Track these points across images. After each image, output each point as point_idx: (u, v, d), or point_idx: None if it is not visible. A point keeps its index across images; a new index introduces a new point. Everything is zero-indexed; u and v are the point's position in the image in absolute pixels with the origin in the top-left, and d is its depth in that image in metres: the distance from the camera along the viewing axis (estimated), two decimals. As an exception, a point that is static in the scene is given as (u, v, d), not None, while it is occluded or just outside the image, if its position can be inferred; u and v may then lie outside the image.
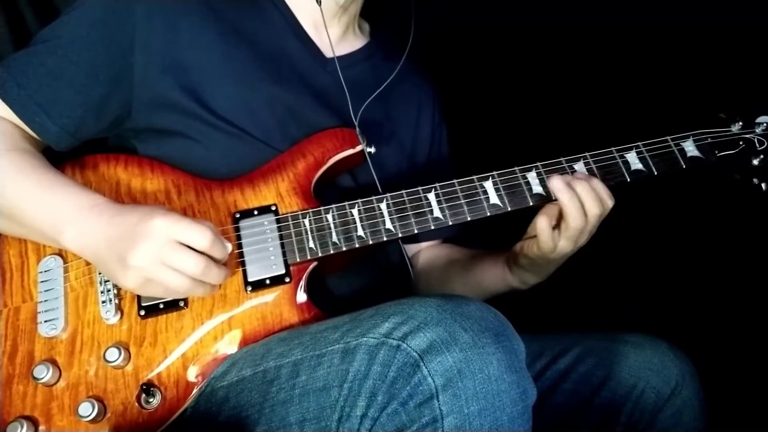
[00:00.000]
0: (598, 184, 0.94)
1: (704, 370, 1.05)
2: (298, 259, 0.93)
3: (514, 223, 1.02)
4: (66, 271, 0.93)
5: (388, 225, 0.95)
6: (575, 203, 0.91)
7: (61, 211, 0.85)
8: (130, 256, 0.79)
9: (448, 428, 0.69)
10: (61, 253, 0.94)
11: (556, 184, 0.92)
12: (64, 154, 0.99)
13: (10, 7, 1.23)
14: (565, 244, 0.95)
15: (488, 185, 0.97)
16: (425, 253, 1.27)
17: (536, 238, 0.96)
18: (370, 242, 0.94)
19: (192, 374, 0.87)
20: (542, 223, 0.93)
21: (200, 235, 0.80)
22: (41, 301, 0.90)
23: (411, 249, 1.27)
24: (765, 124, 1.00)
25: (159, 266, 0.79)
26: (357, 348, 0.75)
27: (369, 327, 0.76)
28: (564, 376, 1.08)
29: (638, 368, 1.04)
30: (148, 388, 0.85)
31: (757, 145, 1.00)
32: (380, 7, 1.20)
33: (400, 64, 1.11)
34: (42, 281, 0.92)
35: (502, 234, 1.05)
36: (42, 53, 0.95)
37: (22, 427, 0.83)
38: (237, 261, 0.92)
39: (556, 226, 0.95)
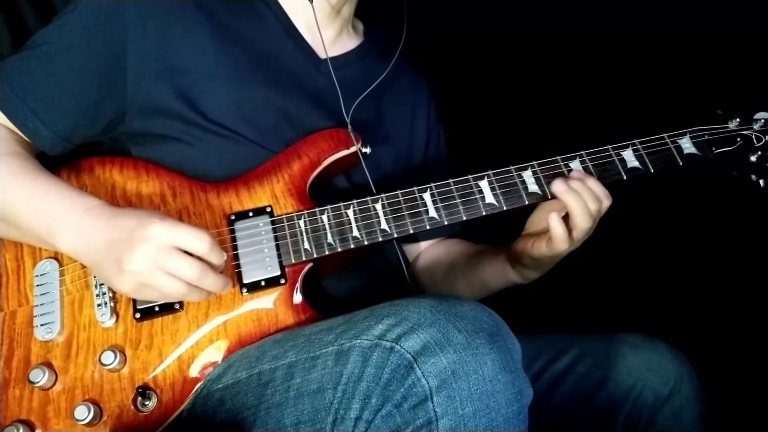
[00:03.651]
0: (593, 183, 0.93)
1: (703, 371, 1.05)
2: (293, 261, 0.93)
3: (514, 220, 1.02)
4: (62, 274, 0.93)
5: (384, 225, 0.95)
6: (581, 204, 0.91)
7: (55, 215, 0.85)
8: (127, 260, 0.78)
9: (442, 430, 0.68)
10: (56, 257, 0.94)
11: (559, 187, 0.92)
12: (60, 157, 0.99)
13: (10, 7, 1.24)
14: (572, 241, 0.94)
15: (484, 184, 0.96)
16: (428, 251, 1.26)
17: (548, 239, 0.94)
18: (366, 243, 0.94)
19: (188, 377, 0.87)
20: (557, 227, 0.92)
21: (198, 240, 0.80)
22: (37, 305, 0.90)
23: (414, 248, 1.27)
24: (763, 121, 1.00)
25: (155, 271, 0.79)
26: (351, 350, 0.75)
27: (363, 329, 0.76)
28: (562, 377, 1.08)
29: (636, 369, 1.04)
30: (143, 391, 0.85)
31: (755, 141, 0.99)
32: (374, 7, 1.19)
33: (392, 63, 1.11)
34: (38, 285, 0.92)
35: (503, 229, 1.04)
36: (35, 58, 0.95)
37: (18, 431, 0.83)
38: (232, 263, 0.92)
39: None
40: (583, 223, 0.92)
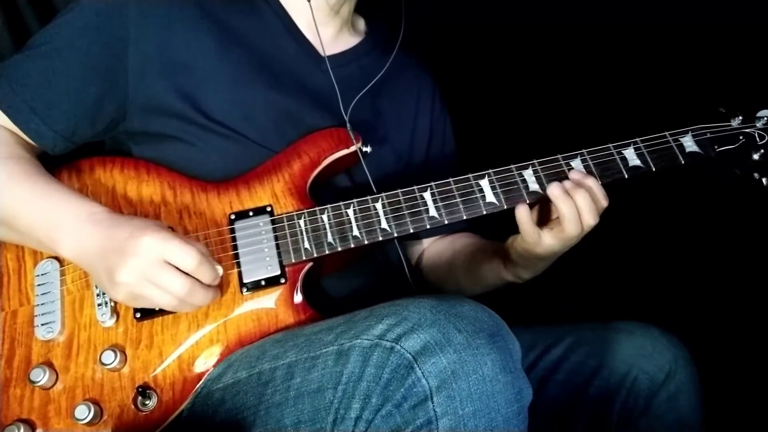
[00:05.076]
0: (596, 189, 0.93)
1: (698, 354, 1.04)
2: (293, 260, 0.93)
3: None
4: (63, 274, 0.93)
5: (384, 225, 0.94)
6: (573, 212, 0.91)
7: (57, 220, 0.85)
8: (117, 273, 0.79)
9: (442, 430, 0.68)
10: (57, 257, 0.94)
11: (555, 191, 0.92)
12: (61, 157, 0.99)
13: (10, 7, 1.24)
14: (553, 242, 0.94)
15: (484, 183, 0.96)
16: (434, 245, 1.26)
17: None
18: (366, 242, 0.94)
19: (188, 376, 0.87)
20: (522, 215, 0.93)
21: (187, 257, 0.80)
22: (38, 305, 0.90)
23: (418, 247, 1.27)
24: (765, 118, 0.99)
25: (145, 284, 0.80)
26: (351, 350, 0.75)
27: (363, 329, 0.76)
28: (557, 366, 1.08)
29: (630, 355, 1.04)
30: (144, 391, 0.85)
31: (758, 139, 0.99)
32: (376, 4, 1.19)
33: (390, 59, 1.11)
34: (39, 284, 0.92)
35: (504, 229, 1.04)
36: (36, 58, 0.94)
37: (19, 430, 0.83)
38: (232, 262, 0.92)
39: (547, 223, 0.95)
40: (571, 231, 0.91)
